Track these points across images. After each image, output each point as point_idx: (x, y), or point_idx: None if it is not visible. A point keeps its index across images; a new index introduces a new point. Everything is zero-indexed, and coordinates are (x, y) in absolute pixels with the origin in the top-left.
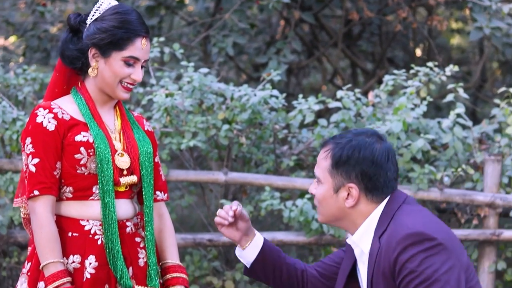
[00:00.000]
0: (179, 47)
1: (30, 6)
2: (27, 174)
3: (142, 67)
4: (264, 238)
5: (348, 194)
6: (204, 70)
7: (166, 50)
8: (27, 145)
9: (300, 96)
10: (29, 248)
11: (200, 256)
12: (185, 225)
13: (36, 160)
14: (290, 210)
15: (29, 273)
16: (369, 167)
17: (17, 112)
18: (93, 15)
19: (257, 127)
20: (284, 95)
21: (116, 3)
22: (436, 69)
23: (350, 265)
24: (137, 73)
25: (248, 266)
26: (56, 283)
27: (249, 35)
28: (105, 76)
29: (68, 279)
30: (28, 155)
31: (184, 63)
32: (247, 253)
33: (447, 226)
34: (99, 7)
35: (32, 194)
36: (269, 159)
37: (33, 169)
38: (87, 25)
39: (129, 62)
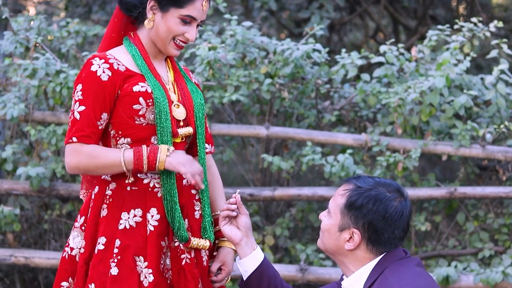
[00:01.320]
0: (222, 1)
1: None
2: (70, 121)
3: (197, 26)
4: (264, 256)
5: (350, 238)
6: (247, 23)
7: None
8: (77, 92)
9: (343, 51)
10: (84, 191)
11: None
12: (224, 181)
13: (82, 108)
14: (331, 165)
15: (83, 227)
16: (378, 221)
17: (60, 65)
18: None
19: (299, 82)
20: (327, 49)
21: None
22: (480, 25)
23: None
24: (192, 33)
25: (245, 277)
26: (145, 157)
27: None
28: (159, 30)
29: (144, 147)
30: (76, 101)
31: (227, 16)
32: (246, 263)
33: (437, 285)
34: None
35: (70, 140)
36: (311, 114)
37: (77, 116)
38: None
39: (186, 20)
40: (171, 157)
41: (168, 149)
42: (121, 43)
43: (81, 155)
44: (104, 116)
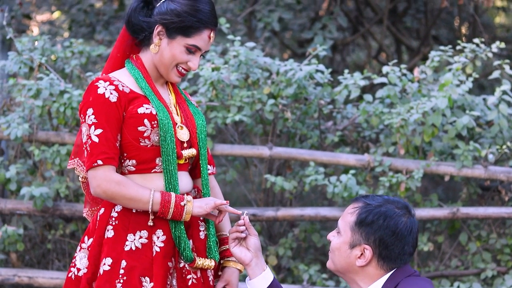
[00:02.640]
0: (225, 21)
1: None
2: (88, 145)
3: (200, 55)
4: (274, 277)
5: (361, 254)
6: (250, 44)
7: None
8: (88, 116)
9: (346, 71)
10: (88, 209)
11: None
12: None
13: (99, 131)
14: (334, 186)
15: (89, 249)
16: (389, 236)
17: (64, 85)
18: None
19: (302, 102)
20: (330, 70)
21: None
22: (482, 46)
23: None
24: (194, 62)
25: None
26: (172, 204)
27: (294, 11)
28: (164, 56)
29: (174, 194)
30: (90, 125)
31: (231, 36)
32: (256, 284)
33: None
34: None
35: (95, 164)
36: (314, 134)
37: (96, 139)
38: (161, 1)
39: (191, 49)
40: (194, 206)
41: (189, 200)
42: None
43: (111, 182)
44: (119, 137)
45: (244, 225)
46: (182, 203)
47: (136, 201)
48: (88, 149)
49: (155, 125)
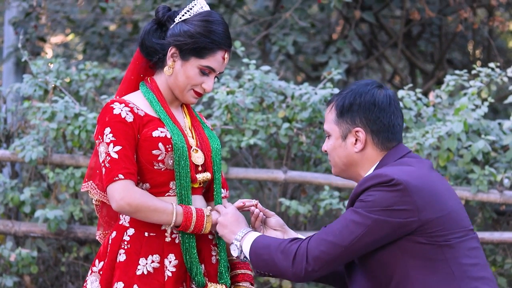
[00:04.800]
0: (240, 45)
1: (91, 2)
2: (107, 162)
3: (215, 77)
4: None
5: (356, 140)
6: (265, 67)
7: None
8: (106, 135)
9: None
10: (101, 232)
11: None
12: None
13: (118, 148)
14: None
15: (101, 272)
16: (371, 110)
17: (79, 108)
18: (182, 15)
19: (317, 126)
20: None
21: (208, 8)
22: (497, 70)
23: None
24: (209, 83)
25: None
26: (194, 214)
27: (308, 34)
28: (178, 78)
29: (193, 206)
30: (108, 144)
31: (245, 60)
32: None
33: (439, 180)
34: (190, 9)
35: (116, 178)
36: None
37: (115, 156)
38: (174, 23)
39: (205, 71)
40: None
41: (208, 215)
42: (139, 86)
43: (136, 193)
44: (135, 157)
45: (257, 208)
46: (203, 211)
47: (161, 212)
48: (108, 165)
49: (169, 149)
